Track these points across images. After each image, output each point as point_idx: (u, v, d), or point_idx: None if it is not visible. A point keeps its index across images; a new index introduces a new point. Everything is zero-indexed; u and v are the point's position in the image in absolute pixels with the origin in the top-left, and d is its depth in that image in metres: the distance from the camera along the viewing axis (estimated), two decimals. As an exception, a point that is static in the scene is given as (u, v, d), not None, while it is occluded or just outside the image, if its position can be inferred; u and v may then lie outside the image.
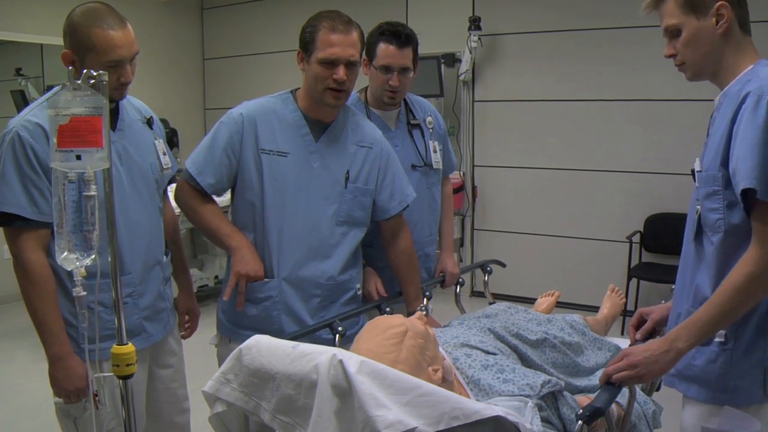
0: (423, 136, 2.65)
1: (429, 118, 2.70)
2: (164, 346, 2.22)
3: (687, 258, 1.77)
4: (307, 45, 2.08)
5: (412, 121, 2.63)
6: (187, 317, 2.41)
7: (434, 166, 2.66)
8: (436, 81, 5.46)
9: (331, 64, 2.04)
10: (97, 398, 1.89)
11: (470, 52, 5.51)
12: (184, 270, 2.38)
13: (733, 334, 1.63)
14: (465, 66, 5.58)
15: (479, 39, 5.51)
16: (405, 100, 2.63)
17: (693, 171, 1.73)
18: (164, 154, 2.18)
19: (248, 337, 1.96)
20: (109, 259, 1.57)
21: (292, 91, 2.21)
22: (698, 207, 1.68)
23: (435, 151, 2.67)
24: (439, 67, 5.49)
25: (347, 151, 2.20)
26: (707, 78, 1.73)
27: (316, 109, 2.16)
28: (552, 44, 5.40)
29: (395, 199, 2.30)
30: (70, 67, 1.55)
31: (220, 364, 2.20)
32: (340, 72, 2.04)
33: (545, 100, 5.49)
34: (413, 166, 2.58)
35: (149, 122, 2.17)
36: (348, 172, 2.19)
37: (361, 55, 2.13)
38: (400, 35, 2.41)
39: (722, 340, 1.64)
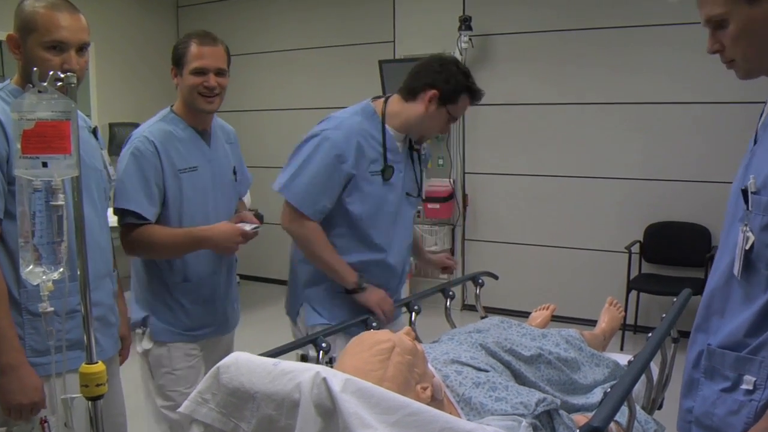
0: (420, 162, 2.71)
1: (424, 144, 2.76)
2: (111, 367, 2.20)
3: (722, 294, 1.58)
4: (179, 60, 2.39)
5: (415, 146, 2.67)
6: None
7: (422, 197, 2.75)
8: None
9: (201, 72, 2.36)
10: (45, 424, 1.86)
11: (460, 54, 5.54)
12: (119, 293, 2.38)
13: (765, 381, 1.46)
14: (455, 68, 5.59)
15: (470, 40, 5.55)
16: None
17: (745, 191, 1.49)
18: (110, 164, 2.25)
19: (194, 336, 2.50)
20: (78, 272, 1.56)
21: (172, 111, 2.49)
22: (748, 235, 1.47)
23: (424, 180, 2.76)
24: (427, 68, 5.50)
25: (226, 150, 2.61)
26: (764, 74, 1.50)
27: (197, 120, 2.48)
28: (546, 45, 5.44)
29: (247, 182, 2.79)
30: (35, 69, 1.54)
31: (151, 369, 2.46)
32: (211, 80, 2.37)
33: (539, 103, 5.53)
34: (407, 195, 2.63)
35: (93, 132, 2.21)
36: (234, 167, 2.62)
37: (228, 66, 2.45)
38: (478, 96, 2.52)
39: (750, 387, 1.47)
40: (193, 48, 2.36)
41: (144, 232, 2.35)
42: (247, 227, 2.44)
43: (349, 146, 2.41)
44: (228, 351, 2.72)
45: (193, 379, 2.50)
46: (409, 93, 2.47)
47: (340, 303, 2.52)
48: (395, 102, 2.51)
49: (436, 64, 2.46)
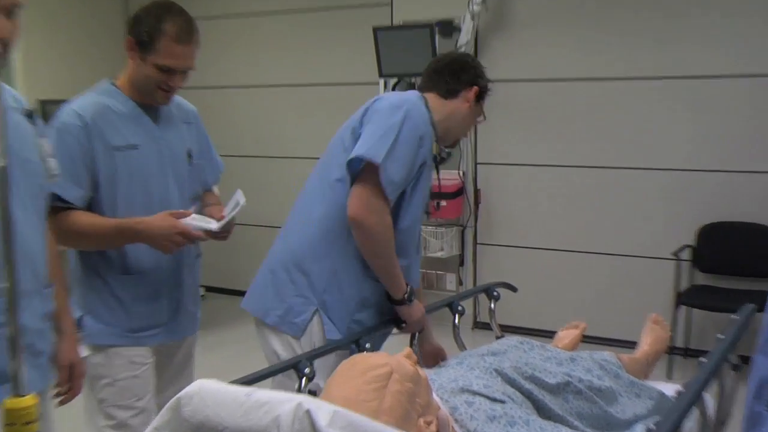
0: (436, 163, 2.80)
1: None
2: (41, 404, 2.18)
3: None
4: (145, 42, 2.44)
5: (447, 149, 2.84)
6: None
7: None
8: (428, 55, 5.48)
9: (168, 71, 2.47)
10: None
11: (472, 19, 5.55)
12: (64, 309, 2.33)
13: None
14: (465, 36, 5.61)
15: (484, 2, 5.55)
16: None
17: None
18: (51, 156, 2.22)
19: (137, 338, 2.56)
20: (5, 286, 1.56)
21: (112, 84, 2.58)
22: None
23: None
24: (432, 37, 5.51)
25: (180, 130, 2.71)
26: None
27: (143, 99, 2.57)
28: (576, 8, 5.46)
29: (215, 170, 2.92)
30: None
31: (90, 381, 2.54)
32: (176, 80, 2.51)
33: (566, 79, 5.55)
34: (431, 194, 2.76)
35: (29, 116, 2.17)
36: (189, 150, 2.72)
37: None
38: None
39: None
40: (167, 43, 2.43)
41: (67, 218, 2.44)
42: (212, 225, 2.51)
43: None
44: (186, 362, 2.76)
45: (140, 392, 2.56)
46: (449, 92, 2.67)
47: (364, 318, 2.53)
48: (434, 99, 2.65)
49: (470, 60, 2.79)
